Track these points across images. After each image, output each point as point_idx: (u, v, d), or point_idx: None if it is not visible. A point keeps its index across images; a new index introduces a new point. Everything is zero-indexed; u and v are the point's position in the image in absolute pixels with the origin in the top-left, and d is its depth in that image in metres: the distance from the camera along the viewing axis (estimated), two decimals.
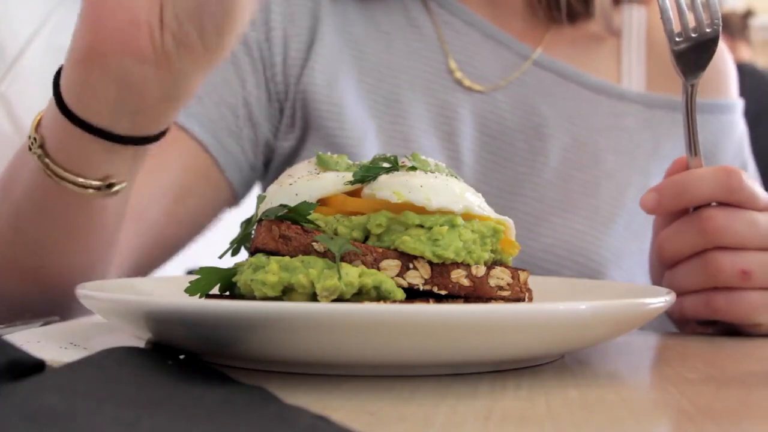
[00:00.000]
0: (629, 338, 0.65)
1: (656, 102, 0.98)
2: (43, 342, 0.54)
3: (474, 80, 0.96)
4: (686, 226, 0.68)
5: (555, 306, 0.46)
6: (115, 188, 0.62)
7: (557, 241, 0.90)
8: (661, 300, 0.52)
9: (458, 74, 0.96)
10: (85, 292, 0.52)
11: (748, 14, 3.46)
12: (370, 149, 0.90)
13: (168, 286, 0.65)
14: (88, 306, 0.53)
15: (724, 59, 1.03)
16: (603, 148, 0.95)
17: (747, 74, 3.09)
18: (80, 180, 0.60)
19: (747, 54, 3.31)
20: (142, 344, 0.50)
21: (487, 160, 0.94)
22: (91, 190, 0.61)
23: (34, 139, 0.60)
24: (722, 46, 1.03)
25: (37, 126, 0.61)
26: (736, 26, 3.33)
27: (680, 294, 0.68)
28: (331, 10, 0.97)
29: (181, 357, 0.48)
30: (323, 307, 0.42)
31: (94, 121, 0.58)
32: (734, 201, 0.67)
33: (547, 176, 0.92)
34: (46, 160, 0.60)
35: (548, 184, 0.92)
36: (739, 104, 1.02)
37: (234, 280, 0.53)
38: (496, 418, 0.39)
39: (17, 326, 0.61)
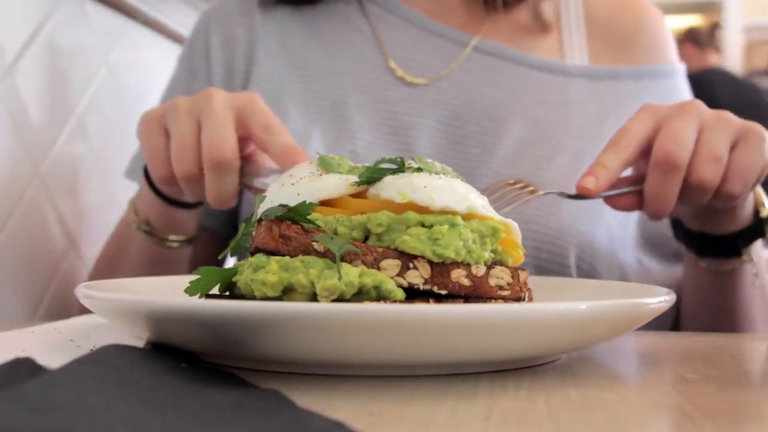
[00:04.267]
0: (629, 338, 0.65)
1: (599, 74, 0.99)
2: (43, 341, 0.54)
3: (416, 74, 0.98)
4: (657, 178, 0.72)
5: (555, 306, 0.46)
6: (191, 240, 0.91)
7: (515, 215, 0.90)
8: (660, 300, 0.52)
9: (399, 72, 0.97)
10: (85, 291, 0.52)
11: (715, 26, 4.13)
12: (312, 152, 0.92)
13: (168, 286, 0.65)
14: (88, 306, 0.53)
15: (660, 25, 1.05)
16: (552, 123, 0.96)
17: (718, 76, 3.50)
18: (172, 237, 0.88)
19: (716, 59, 3.78)
20: (141, 344, 0.50)
21: (440, 146, 0.94)
22: (176, 244, 0.89)
23: (142, 222, 0.88)
24: (657, 12, 1.06)
25: (135, 214, 0.88)
26: (705, 37, 3.82)
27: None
28: (266, 30, 1.00)
29: (180, 357, 0.48)
30: (323, 307, 0.42)
31: (179, 198, 0.84)
32: (666, 119, 0.73)
33: (501, 154, 0.93)
34: (153, 231, 0.88)
35: (503, 161, 0.93)
36: (680, 68, 1.04)
37: (234, 280, 0.53)
38: (496, 418, 0.39)
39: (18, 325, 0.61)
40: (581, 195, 0.72)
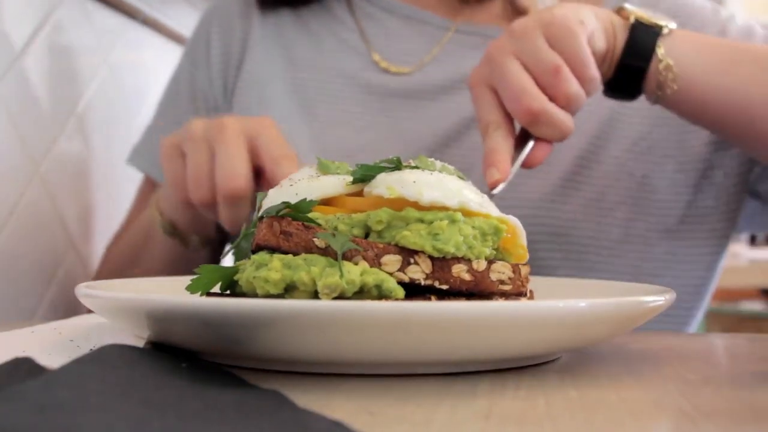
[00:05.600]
0: (629, 338, 0.65)
1: None
2: (43, 341, 0.54)
3: (400, 64, 0.99)
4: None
5: (555, 303, 0.45)
6: (211, 241, 0.95)
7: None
8: (660, 298, 0.52)
9: (383, 64, 0.99)
10: (85, 291, 0.52)
11: None
12: (300, 140, 0.94)
13: (167, 286, 0.65)
14: (88, 305, 0.53)
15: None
16: None
17: None
18: (195, 238, 0.92)
19: None
20: (141, 344, 0.50)
21: (431, 122, 0.96)
22: (198, 244, 0.93)
23: (167, 224, 0.91)
24: None
25: (160, 215, 0.91)
26: None
27: None
28: (261, 21, 1.03)
29: (181, 357, 0.48)
30: (323, 304, 0.42)
31: None
32: (493, 79, 0.74)
33: None
34: (177, 232, 0.91)
35: None
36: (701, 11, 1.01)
37: (236, 278, 0.53)
38: (496, 418, 0.39)
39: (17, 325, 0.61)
40: (494, 186, 0.71)
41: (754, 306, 2.97)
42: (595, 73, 0.74)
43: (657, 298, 0.51)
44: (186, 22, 1.30)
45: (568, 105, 0.73)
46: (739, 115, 0.79)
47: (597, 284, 0.70)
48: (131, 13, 1.22)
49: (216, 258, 1.01)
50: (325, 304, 0.42)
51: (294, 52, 1.02)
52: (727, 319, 2.68)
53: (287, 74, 1.00)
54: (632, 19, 0.78)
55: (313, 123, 0.96)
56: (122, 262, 0.99)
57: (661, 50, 0.77)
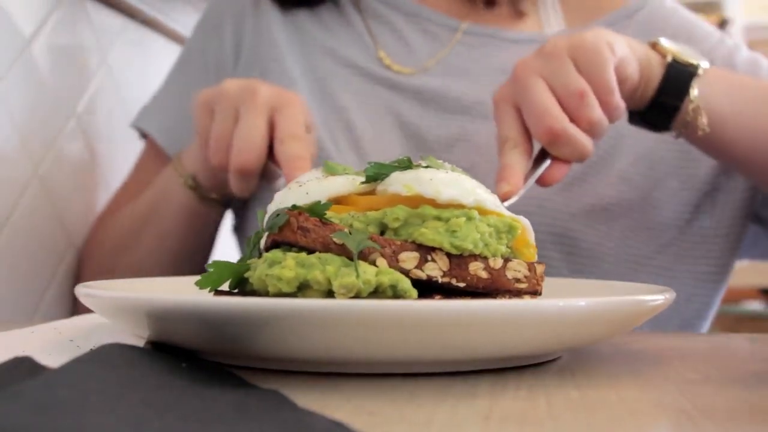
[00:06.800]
0: (629, 338, 0.65)
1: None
2: (43, 341, 0.54)
3: (405, 64, 1.00)
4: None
5: (555, 303, 0.45)
6: (230, 201, 0.97)
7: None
8: (660, 297, 0.52)
9: (387, 61, 1.00)
10: (85, 291, 0.52)
11: (723, 23, 4.09)
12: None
13: (168, 286, 0.65)
14: (88, 305, 0.53)
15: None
16: None
17: None
18: (215, 196, 0.93)
19: None
20: (141, 343, 0.50)
21: (430, 116, 0.96)
22: (216, 201, 0.94)
23: (189, 177, 0.92)
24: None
25: (183, 168, 0.93)
26: None
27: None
28: (274, 13, 1.04)
29: (181, 357, 0.48)
30: (324, 304, 0.42)
31: None
32: (516, 98, 0.74)
33: (488, 125, 0.93)
34: (198, 187, 0.92)
35: (490, 132, 0.93)
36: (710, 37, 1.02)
37: (247, 275, 0.53)
38: (496, 418, 0.39)
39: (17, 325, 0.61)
40: (505, 199, 0.71)
41: (754, 306, 2.97)
42: (619, 101, 0.74)
43: (657, 297, 0.51)
44: (186, 22, 1.30)
45: (591, 130, 0.73)
46: (765, 155, 0.80)
47: (597, 284, 0.70)
48: (131, 13, 1.22)
49: (236, 221, 1.03)
50: (326, 303, 0.42)
51: (307, 40, 1.03)
52: (727, 319, 2.67)
53: (301, 59, 1.01)
54: (669, 58, 0.79)
55: (323, 107, 0.97)
56: (133, 223, 0.99)
57: (694, 91, 0.78)
